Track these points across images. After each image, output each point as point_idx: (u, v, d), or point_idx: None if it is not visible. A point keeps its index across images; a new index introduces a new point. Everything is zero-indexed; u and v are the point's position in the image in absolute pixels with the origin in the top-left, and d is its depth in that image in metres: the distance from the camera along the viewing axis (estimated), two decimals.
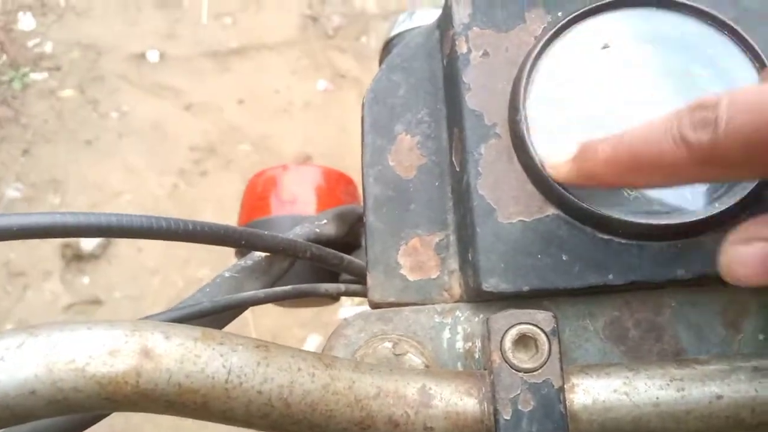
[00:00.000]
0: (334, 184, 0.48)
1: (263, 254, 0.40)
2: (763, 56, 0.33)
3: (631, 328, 0.33)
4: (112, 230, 0.29)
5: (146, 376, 0.22)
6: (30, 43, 2.13)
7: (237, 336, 0.25)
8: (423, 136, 0.37)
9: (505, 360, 0.28)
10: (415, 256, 0.35)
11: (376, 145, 0.37)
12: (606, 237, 0.32)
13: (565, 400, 0.27)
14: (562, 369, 0.27)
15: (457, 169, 0.35)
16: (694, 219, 0.31)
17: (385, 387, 0.27)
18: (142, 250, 1.83)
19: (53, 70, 2.10)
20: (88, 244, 1.82)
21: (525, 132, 0.33)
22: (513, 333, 0.28)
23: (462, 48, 0.35)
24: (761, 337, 0.33)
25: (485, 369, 0.29)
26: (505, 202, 0.33)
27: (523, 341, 0.28)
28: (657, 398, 0.27)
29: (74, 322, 0.23)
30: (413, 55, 0.38)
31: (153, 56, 2.11)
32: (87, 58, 2.12)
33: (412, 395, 0.27)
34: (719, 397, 0.27)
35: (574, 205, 0.32)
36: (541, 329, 0.28)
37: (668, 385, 0.27)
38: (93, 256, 1.82)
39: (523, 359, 0.28)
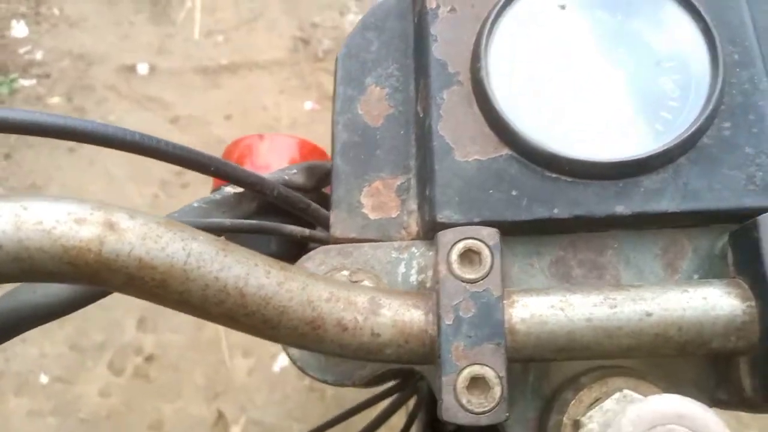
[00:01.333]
0: (308, 154, 0.49)
1: (232, 190, 0.41)
2: (708, 21, 0.36)
3: (575, 266, 0.34)
4: (85, 134, 0.30)
5: (108, 246, 0.23)
6: (21, 50, 2.15)
7: (199, 231, 0.26)
8: (392, 89, 0.39)
9: (450, 271, 0.29)
10: (377, 197, 0.36)
11: (347, 95, 0.39)
12: (554, 175, 0.34)
13: (503, 309, 0.28)
14: (502, 281, 0.29)
15: (421, 115, 0.37)
16: (634, 158, 0.33)
17: (338, 293, 0.28)
18: None
19: (42, 77, 2.11)
20: None
21: (485, 79, 0.35)
22: (459, 246, 0.29)
23: (431, 4, 0.37)
24: (696, 276, 0.34)
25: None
26: (463, 143, 0.35)
27: (468, 256, 0.29)
28: (590, 314, 0.29)
29: (46, 195, 0.24)
30: (386, 15, 0.40)
31: (143, 69, 2.13)
32: (77, 67, 2.14)
33: (362, 303, 0.28)
34: (649, 314, 0.28)
35: (527, 145, 0.34)
36: (485, 243, 0.29)
37: (602, 302, 0.29)
38: None
39: (467, 271, 0.29)
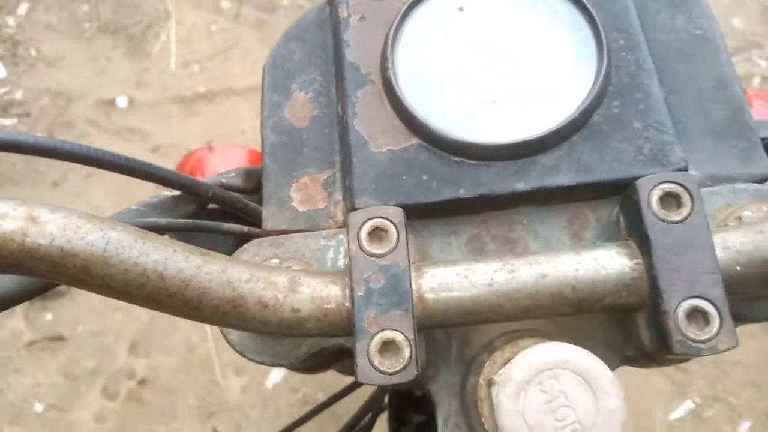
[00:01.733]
0: (257, 162, 0.52)
1: (169, 193, 0.44)
2: (593, 13, 0.40)
3: (489, 242, 0.38)
4: (35, 149, 0.33)
5: (31, 237, 0.26)
6: (0, 91, 2.18)
7: (119, 222, 0.29)
8: (315, 93, 0.42)
9: (361, 248, 0.32)
10: (305, 191, 0.40)
11: (274, 101, 0.42)
12: (458, 159, 0.37)
13: (411, 279, 0.31)
14: (408, 254, 0.32)
15: (340, 114, 0.40)
16: (529, 139, 0.36)
17: (257, 274, 0.31)
18: None
19: (23, 116, 2.15)
20: None
21: (393, 77, 0.38)
22: (368, 225, 0.32)
23: (343, 13, 0.41)
24: (599, 243, 0.37)
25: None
26: (377, 136, 0.38)
27: (376, 234, 0.33)
28: (491, 279, 0.32)
29: None
30: (307, 27, 0.44)
31: (122, 102, 2.17)
32: (56, 104, 2.17)
33: (282, 282, 0.31)
34: (544, 276, 0.31)
35: (433, 134, 0.37)
36: (391, 221, 0.32)
37: (501, 268, 0.32)
38: (57, 293, 1.83)
39: (376, 247, 0.32)
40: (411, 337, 0.31)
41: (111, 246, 0.28)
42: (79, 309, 1.82)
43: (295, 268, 0.36)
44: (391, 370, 0.30)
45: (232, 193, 0.42)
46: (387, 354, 0.31)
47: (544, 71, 0.39)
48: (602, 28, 0.39)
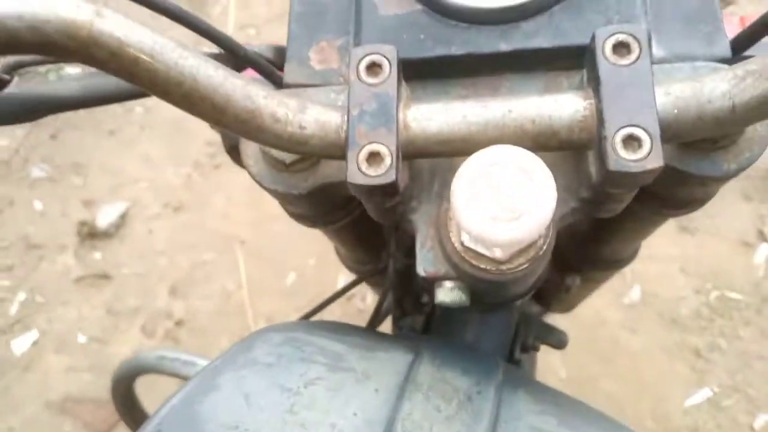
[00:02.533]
0: None
1: (208, 50, 0.50)
2: None
3: None
4: None
5: (98, 26, 0.32)
6: None
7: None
8: None
9: (359, 78, 0.38)
10: (322, 53, 0.46)
11: None
12: (453, 23, 0.43)
13: (398, 105, 0.37)
14: (397, 85, 0.37)
15: None
16: (515, 5, 0.42)
17: (273, 93, 0.37)
18: (153, 232, 1.95)
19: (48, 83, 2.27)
20: (103, 221, 1.94)
21: None
22: (366, 60, 0.38)
23: None
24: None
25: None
26: (386, 1, 0.44)
27: (372, 68, 0.38)
28: (466, 113, 0.37)
29: None
30: None
31: None
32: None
33: (292, 103, 0.37)
34: (510, 111, 0.36)
35: (433, 1, 0.43)
36: (386, 57, 0.38)
37: (476, 104, 0.37)
38: (107, 235, 1.94)
39: (371, 78, 0.38)
40: (393, 149, 0.36)
41: (157, 46, 0.34)
42: (127, 251, 1.93)
43: None
44: (374, 174, 0.36)
45: (261, 58, 0.48)
46: (372, 162, 0.36)
47: None
48: None
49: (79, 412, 1.69)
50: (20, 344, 1.79)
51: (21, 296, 1.87)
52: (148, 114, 2.16)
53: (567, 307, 0.99)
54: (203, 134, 2.10)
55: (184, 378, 0.84)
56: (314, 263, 1.87)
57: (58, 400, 1.70)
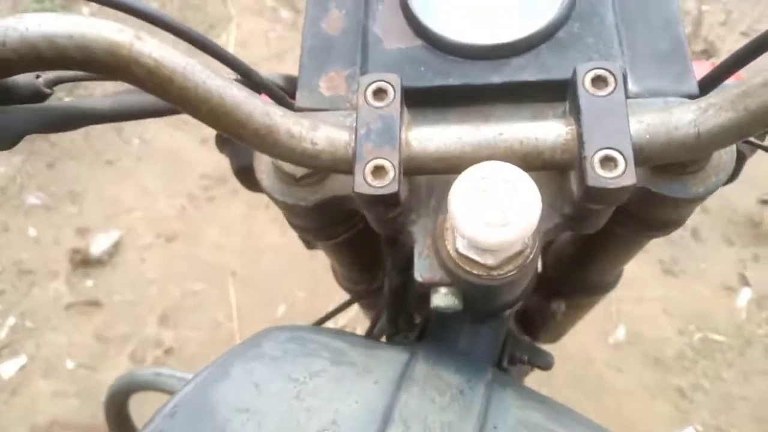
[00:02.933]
0: None
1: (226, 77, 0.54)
2: None
3: None
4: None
5: (137, 47, 0.36)
6: None
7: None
8: (347, 10, 0.53)
9: (366, 102, 0.42)
10: (331, 82, 0.50)
11: (315, 16, 0.53)
12: (451, 57, 0.48)
13: (401, 127, 0.41)
14: (401, 108, 0.42)
15: (364, 22, 0.50)
16: (505, 43, 0.46)
17: (288, 113, 0.41)
18: (145, 261, 1.97)
19: (87, 96, 2.32)
20: (96, 249, 1.96)
21: None
22: (373, 86, 0.42)
23: None
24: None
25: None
26: (390, 37, 0.49)
27: (378, 93, 0.42)
28: (461, 134, 0.41)
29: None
30: None
31: None
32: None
33: (306, 123, 0.41)
34: (501, 133, 0.41)
35: (433, 36, 0.48)
36: (390, 84, 0.42)
37: (470, 128, 0.41)
38: (99, 262, 1.96)
39: (377, 102, 0.42)
40: (396, 164, 0.40)
41: (189, 66, 0.38)
42: (119, 279, 1.94)
43: None
44: (379, 185, 0.40)
45: (274, 84, 0.52)
46: (377, 174, 0.40)
47: None
48: None
49: None
50: (8, 368, 1.79)
51: (11, 321, 1.88)
52: (145, 145, 2.20)
53: (554, 337, 1.02)
54: (198, 167, 2.14)
55: None
56: (304, 296, 1.90)
57: (44, 424, 1.70)
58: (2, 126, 0.38)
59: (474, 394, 0.40)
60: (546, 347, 0.84)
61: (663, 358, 1.75)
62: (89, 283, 1.94)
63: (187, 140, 2.21)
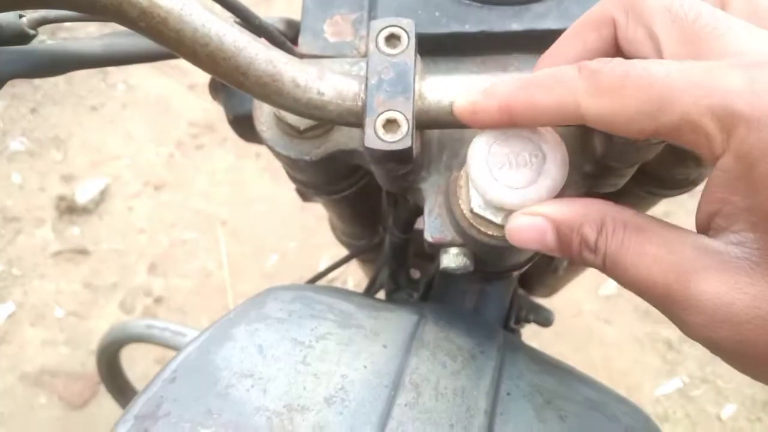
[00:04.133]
0: None
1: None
2: None
3: None
4: None
5: None
6: None
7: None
8: None
9: (378, 48, 0.39)
10: (336, 27, 0.47)
11: None
12: (467, 2, 0.45)
13: (415, 75, 0.38)
14: (415, 56, 0.39)
15: None
16: None
17: (293, 60, 0.38)
18: (133, 210, 1.94)
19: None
20: (82, 197, 1.93)
21: None
22: (386, 31, 0.39)
23: None
24: None
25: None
26: None
27: (392, 40, 0.39)
28: (478, 84, 0.38)
29: None
30: None
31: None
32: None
33: (312, 70, 0.38)
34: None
35: None
36: (404, 29, 0.39)
37: (489, 77, 0.38)
38: (86, 210, 1.93)
39: (389, 49, 0.39)
40: (409, 117, 0.37)
41: (186, 7, 0.35)
42: (106, 227, 1.92)
43: None
44: (391, 140, 0.37)
45: (274, 27, 0.49)
46: (389, 129, 0.37)
47: None
48: None
49: (54, 385, 1.68)
50: None
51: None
52: (131, 91, 2.14)
53: (549, 292, 1.01)
54: (187, 114, 2.09)
55: (173, 348, 0.85)
56: (295, 246, 1.88)
57: (33, 372, 1.69)
58: None
59: (486, 358, 0.39)
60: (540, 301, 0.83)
61: (652, 311, 1.76)
62: (76, 230, 1.91)
63: (175, 86, 2.16)
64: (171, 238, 1.91)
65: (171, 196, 1.97)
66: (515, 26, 0.44)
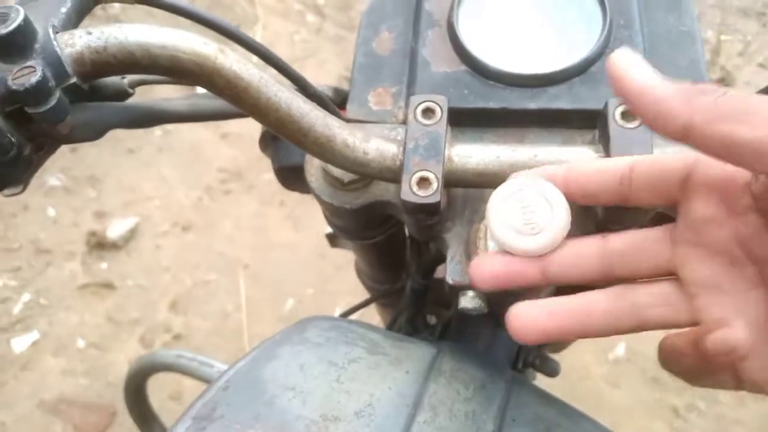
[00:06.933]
0: None
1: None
2: (606, 4, 0.54)
3: None
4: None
5: (220, 60, 0.41)
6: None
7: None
8: (397, 33, 0.58)
9: (415, 119, 0.46)
10: (379, 98, 0.55)
11: (367, 36, 0.57)
12: (492, 83, 0.53)
13: (445, 143, 0.46)
14: (446, 126, 0.46)
15: (413, 46, 0.55)
16: (543, 73, 0.51)
17: (345, 125, 0.46)
18: (160, 248, 2.02)
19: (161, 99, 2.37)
20: (113, 233, 2.01)
21: (455, 22, 0.54)
22: (423, 105, 0.47)
23: None
24: None
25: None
26: (437, 61, 0.54)
27: (427, 113, 0.47)
28: (499, 154, 0.45)
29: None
30: None
31: (201, 89, 2.37)
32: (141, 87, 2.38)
33: (359, 134, 0.46)
34: (536, 155, 0.45)
35: (477, 63, 0.53)
36: (438, 104, 0.47)
37: (507, 149, 0.46)
38: (115, 246, 2.01)
39: (425, 120, 0.46)
40: (439, 176, 0.44)
41: (263, 80, 0.42)
42: (133, 264, 1.99)
43: None
44: (423, 195, 0.44)
45: (327, 96, 0.57)
46: (422, 185, 0.44)
47: (563, 29, 0.55)
48: (608, 9, 0.54)
49: (70, 414, 1.73)
50: (20, 343, 1.83)
51: (25, 297, 1.93)
52: (167, 136, 2.25)
53: (558, 347, 1.06)
54: (217, 161, 2.19)
55: (200, 379, 0.91)
56: (312, 292, 1.94)
57: (51, 400, 1.74)
58: (92, 119, 0.43)
59: (495, 388, 0.45)
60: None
61: (661, 377, 1.79)
62: (104, 265, 1.99)
63: (208, 134, 2.26)
64: (194, 278, 1.97)
65: (197, 238, 2.05)
66: (532, 105, 0.52)
